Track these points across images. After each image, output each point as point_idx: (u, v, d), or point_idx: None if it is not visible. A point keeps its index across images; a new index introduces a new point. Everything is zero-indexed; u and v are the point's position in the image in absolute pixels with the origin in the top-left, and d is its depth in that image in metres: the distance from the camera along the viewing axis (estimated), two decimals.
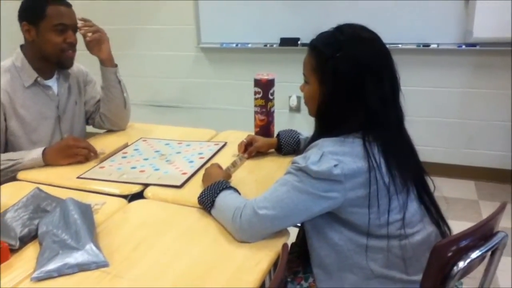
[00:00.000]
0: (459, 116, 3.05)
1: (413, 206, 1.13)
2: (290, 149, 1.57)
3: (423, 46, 2.90)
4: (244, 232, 1.11)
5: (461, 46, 2.83)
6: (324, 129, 1.15)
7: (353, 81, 1.08)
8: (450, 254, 1.02)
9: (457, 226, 1.14)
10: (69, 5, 1.66)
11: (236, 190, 1.25)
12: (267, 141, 1.62)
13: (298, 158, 1.10)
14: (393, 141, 1.11)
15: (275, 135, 1.72)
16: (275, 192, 1.10)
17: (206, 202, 1.22)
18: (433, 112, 3.10)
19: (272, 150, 1.63)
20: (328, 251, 1.12)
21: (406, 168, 1.11)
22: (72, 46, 1.69)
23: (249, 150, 1.59)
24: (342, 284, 1.12)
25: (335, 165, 1.03)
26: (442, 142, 3.15)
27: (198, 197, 1.25)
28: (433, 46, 2.89)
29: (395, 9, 2.85)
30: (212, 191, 1.22)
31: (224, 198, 1.20)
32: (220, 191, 1.22)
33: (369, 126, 1.09)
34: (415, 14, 2.84)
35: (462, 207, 2.76)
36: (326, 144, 1.08)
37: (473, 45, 2.80)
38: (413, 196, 1.13)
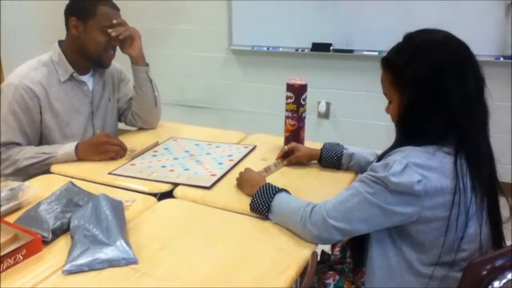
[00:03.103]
0: (494, 130, 2.96)
1: (484, 234, 1.07)
2: (331, 163, 1.52)
3: None
4: (314, 237, 1.10)
5: (498, 59, 2.76)
6: (407, 139, 1.09)
7: (433, 85, 1.03)
8: (484, 272, 0.98)
9: None
10: (117, 8, 1.71)
11: (288, 191, 1.24)
12: (309, 152, 1.57)
13: (378, 166, 1.04)
14: (478, 149, 1.05)
15: (305, 141, 1.72)
16: (346, 203, 1.06)
17: (262, 208, 1.21)
18: None
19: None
20: (381, 264, 1.09)
21: (485, 181, 1.05)
22: (114, 47, 1.73)
23: (290, 158, 1.56)
24: None
25: (419, 181, 0.98)
26: None
27: (251, 204, 1.24)
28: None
29: (431, 18, 2.77)
30: (265, 196, 1.21)
31: (282, 202, 1.19)
32: (274, 194, 1.21)
33: (454, 130, 1.04)
34: (451, 24, 2.76)
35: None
36: (413, 154, 1.02)
37: (511, 57, 2.73)
38: (485, 222, 1.07)
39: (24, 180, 1.49)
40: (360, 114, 3.24)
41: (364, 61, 3.08)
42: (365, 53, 3.04)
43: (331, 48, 3.12)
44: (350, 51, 3.09)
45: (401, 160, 1.01)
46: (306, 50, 3.20)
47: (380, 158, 1.12)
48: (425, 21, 2.54)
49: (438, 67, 1.03)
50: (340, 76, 3.23)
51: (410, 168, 0.99)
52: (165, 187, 1.41)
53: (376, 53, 2.98)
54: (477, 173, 1.04)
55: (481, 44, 2.75)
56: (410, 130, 1.10)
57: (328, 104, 3.32)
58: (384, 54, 1.15)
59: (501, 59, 2.75)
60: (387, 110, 1.17)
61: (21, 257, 1.02)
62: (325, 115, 3.36)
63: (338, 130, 3.37)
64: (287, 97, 1.64)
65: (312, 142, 1.68)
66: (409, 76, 1.06)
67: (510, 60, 2.74)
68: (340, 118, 3.35)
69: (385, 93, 1.15)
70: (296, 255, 1.07)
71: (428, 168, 1.00)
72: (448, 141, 1.04)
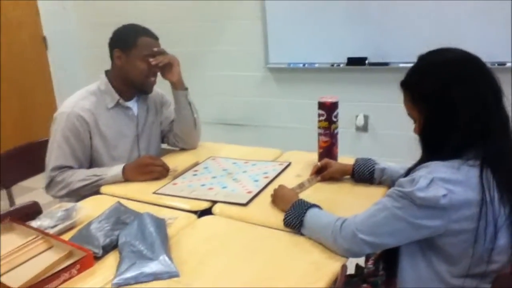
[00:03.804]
0: None
1: None
2: (363, 178, 1.55)
3: (498, 64, 2.79)
4: (345, 250, 1.15)
5: None
6: (430, 154, 1.13)
7: (444, 98, 1.08)
8: None
9: None
10: (156, 38, 1.84)
11: (319, 207, 1.30)
12: (342, 168, 1.61)
13: (404, 181, 1.08)
14: (499, 156, 1.07)
15: (338, 156, 1.76)
16: (373, 217, 1.11)
17: (294, 223, 1.26)
18: None
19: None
20: (412, 276, 1.13)
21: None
22: (155, 74, 1.86)
23: (323, 174, 1.61)
24: None
25: (444, 195, 1.01)
26: None
27: (284, 219, 1.29)
28: (509, 64, 2.78)
29: (467, 26, 2.77)
30: (298, 212, 1.27)
31: (314, 217, 1.24)
32: (306, 210, 1.26)
33: (473, 139, 1.07)
34: (488, 31, 2.75)
35: None
36: (438, 169, 1.05)
37: None
38: None
39: (77, 201, 1.62)
40: (399, 126, 3.21)
41: (401, 73, 3.01)
42: (401, 65, 3.04)
43: (366, 62, 3.14)
44: (386, 63, 3.10)
45: (426, 175, 1.04)
46: (341, 65, 3.24)
47: (406, 173, 1.16)
48: (457, 30, 2.56)
49: (445, 81, 1.09)
50: (376, 89, 3.24)
51: (435, 183, 1.03)
52: (204, 205, 1.50)
53: (412, 65, 2.97)
54: (504, 184, 1.06)
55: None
56: (431, 145, 1.14)
57: (366, 117, 3.33)
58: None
59: None
60: (415, 130, 1.21)
61: (75, 272, 1.13)
62: (364, 128, 3.37)
63: (378, 143, 3.37)
64: (319, 115, 1.69)
65: (347, 157, 1.72)
66: (422, 94, 1.13)
67: None
68: (379, 131, 3.35)
69: (409, 115, 1.20)
70: (327, 268, 1.12)
71: (453, 182, 1.03)
72: (472, 154, 1.07)
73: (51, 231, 1.32)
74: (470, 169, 1.05)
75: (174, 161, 1.87)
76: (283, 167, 1.77)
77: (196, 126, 2.02)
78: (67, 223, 1.37)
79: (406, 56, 2.97)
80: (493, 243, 1.05)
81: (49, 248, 1.26)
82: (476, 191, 1.03)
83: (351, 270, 1.42)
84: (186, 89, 1.96)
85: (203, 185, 1.64)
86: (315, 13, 3.21)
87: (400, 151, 3.03)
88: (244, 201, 1.48)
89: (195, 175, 1.75)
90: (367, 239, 1.11)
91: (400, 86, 1.19)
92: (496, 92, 1.10)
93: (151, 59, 1.79)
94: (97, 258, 1.20)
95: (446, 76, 1.09)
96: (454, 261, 1.08)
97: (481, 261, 1.06)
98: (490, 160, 1.06)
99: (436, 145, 1.12)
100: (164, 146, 2.13)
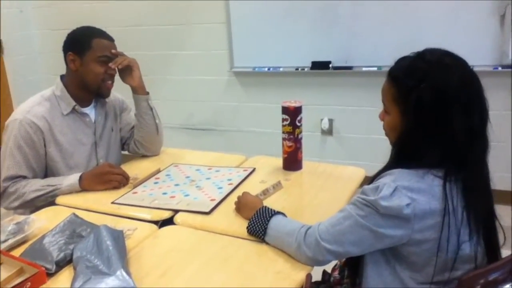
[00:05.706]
0: (495, 139, 2.96)
1: (480, 255, 1.08)
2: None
3: None
4: (309, 259, 1.12)
5: (497, 68, 2.78)
6: (402, 161, 1.09)
7: (438, 114, 1.02)
8: (478, 287, 1.00)
9: None
10: (112, 39, 1.78)
11: (284, 214, 1.26)
12: None
13: (368, 189, 1.06)
14: (474, 182, 1.05)
15: (304, 160, 1.74)
16: (338, 225, 1.08)
17: (258, 231, 1.23)
18: None
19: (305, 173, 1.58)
20: (377, 283, 1.11)
21: (481, 213, 1.07)
22: (112, 77, 1.79)
23: None
24: None
25: (407, 204, 0.99)
26: None
27: (247, 228, 1.26)
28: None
29: (428, 31, 2.83)
30: (261, 219, 1.24)
31: (278, 224, 1.21)
32: (270, 217, 1.23)
33: (451, 160, 1.04)
34: (448, 36, 2.81)
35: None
36: (402, 177, 1.03)
37: (509, 66, 2.74)
38: (480, 244, 1.08)
39: (31, 212, 1.54)
40: (363, 129, 3.26)
41: (364, 76, 3.12)
42: (364, 69, 3.08)
43: (330, 65, 3.16)
44: (349, 67, 3.13)
45: (390, 183, 1.02)
46: (306, 69, 3.25)
47: (372, 179, 1.14)
48: (422, 36, 2.59)
49: (445, 98, 1.02)
50: (341, 92, 3.26)
51: (399, 191, 1.01)
52: (166, 214, 1.45)
53: (375, 69, 3.01)
54: (469, 198, 1.05)
55: (479, 55, 2.79)
56: (407, 153, 1.10)
57: (330, 121, 3.35)
58: (387, 68, 1.12)
59: (500, 68, 2.77)
60: (382, 117, 1.17)
61: None
62: (329, 131, 3.38)
63: (343, 146, 3.39)
64: (283, 119, 1.67)
65: (313, 161, 1.70)
66: (415, 100, 1.04)
67: (509, 69, 2.75)
68: (344, 134, 3.37)
69: (383, 102, 1.14)
70: (292, 277, 1.10)
71: (417, 191, 1.01)
72: (437, 161, 1.05)
73: (1, 247, 1.24)
74: (434, 179, 1.03)
75: (135, 169, 1.81)
76: (247, 173, 1.74)
77: (158, 132, 1.96)
78: (19, 237, 1.29)
79: (369, 60, 3.05)
80: (456, 253, 1.04)
81: None
82: (439, 200, 1.02)
83: (318, 277, 1.40)
84: (147, 93, 1.91)
85: (164, 193, 1.59)
86: (279, 17, 3.21)
87: (364, 154, 3.07)
88: (207, 210, 1.43)
89: (156, 183, 1.69)
90: (331, 247, 1.08)
91: (387, 76, 1.11)
92: (484, 118, 1.06)
93: (110, 63, 1.73)
94: (50, 274, 1.13)
95: (447, 92, 1.01)
96: (417, 268, 1.07)
97: (445, 269, 1.06)
98: (456, 174, 1.04)
99: (411, 153, 1.08)
100: (125, 153, 2.06)
